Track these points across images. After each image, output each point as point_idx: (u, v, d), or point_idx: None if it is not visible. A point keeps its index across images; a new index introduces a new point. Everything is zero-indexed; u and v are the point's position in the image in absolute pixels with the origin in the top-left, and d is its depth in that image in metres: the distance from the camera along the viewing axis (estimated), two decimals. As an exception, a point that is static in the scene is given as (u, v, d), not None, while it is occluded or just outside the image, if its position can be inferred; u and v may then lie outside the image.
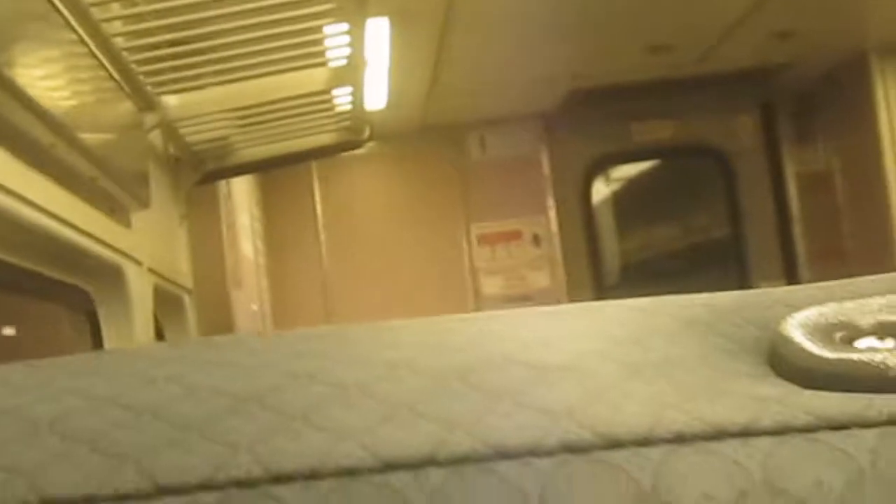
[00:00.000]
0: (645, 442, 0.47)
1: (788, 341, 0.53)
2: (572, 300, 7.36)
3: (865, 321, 0.54)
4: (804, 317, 0.54)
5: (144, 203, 2.81)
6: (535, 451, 0.46)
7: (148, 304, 2.88)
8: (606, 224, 7.81)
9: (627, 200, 8.06)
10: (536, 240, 7.46)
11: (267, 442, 0.47)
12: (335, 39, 2.95)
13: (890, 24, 6.46)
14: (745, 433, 0.47)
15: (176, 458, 0.47)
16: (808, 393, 0.50)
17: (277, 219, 7.00)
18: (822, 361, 0.51)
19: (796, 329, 0.53)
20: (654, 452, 0.47)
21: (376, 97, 6.02)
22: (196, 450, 0.47)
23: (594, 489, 0.46)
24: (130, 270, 2.67)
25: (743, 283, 7.59)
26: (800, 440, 0.47)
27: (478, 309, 7.30)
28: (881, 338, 0.53)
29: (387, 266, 7.25)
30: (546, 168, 7.53)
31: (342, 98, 3.50)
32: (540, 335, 0.56)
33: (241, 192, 5.22)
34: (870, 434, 0.47)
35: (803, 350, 0.52)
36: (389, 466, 0.46)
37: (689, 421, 0.48)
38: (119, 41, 2.52)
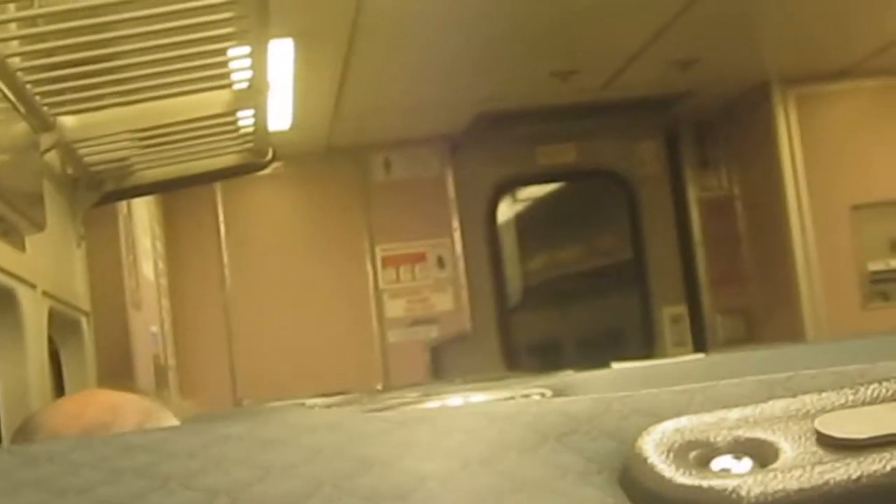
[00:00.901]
0: None
1: (642, 461, 0.50)
2: (475, 322, 7.39)
3: (722, 437, 0.51)
4: (660, 432, 0.51)
5: (39, 225, 2.75)
6: None
7: (42, 328, 2.83)
8: (510, 245, 7.84)
9: (531, 222, 8.10)
10: (441, 262, 7.46)
11: None
12: (238, 62, 2.92)
13: (790, 55, 6.57)
14: None
15: None
16: None
17: (180, 239, 6.92)
18: (674, 487, 0.48)
19: (651, 447, 0.50)
20: None
21: (280, 118, 5.98)
22: None
23: None
24: (23, 294, 2.61)
25: (644, 306, 7.66)
26: None
27: (382, 331, 7.29)
28: (738, 456, 0.51)
29: (290, 288, 7.20)
30: (451, 190, 7.54)
31: (245, 120, 3.47)
32: (381, 452, 0.51)
33: (142, 213, 5.16)
34: None
35: (656, 473, 0.49)
36: None
37: None
38: (15, 61, 2.47)
